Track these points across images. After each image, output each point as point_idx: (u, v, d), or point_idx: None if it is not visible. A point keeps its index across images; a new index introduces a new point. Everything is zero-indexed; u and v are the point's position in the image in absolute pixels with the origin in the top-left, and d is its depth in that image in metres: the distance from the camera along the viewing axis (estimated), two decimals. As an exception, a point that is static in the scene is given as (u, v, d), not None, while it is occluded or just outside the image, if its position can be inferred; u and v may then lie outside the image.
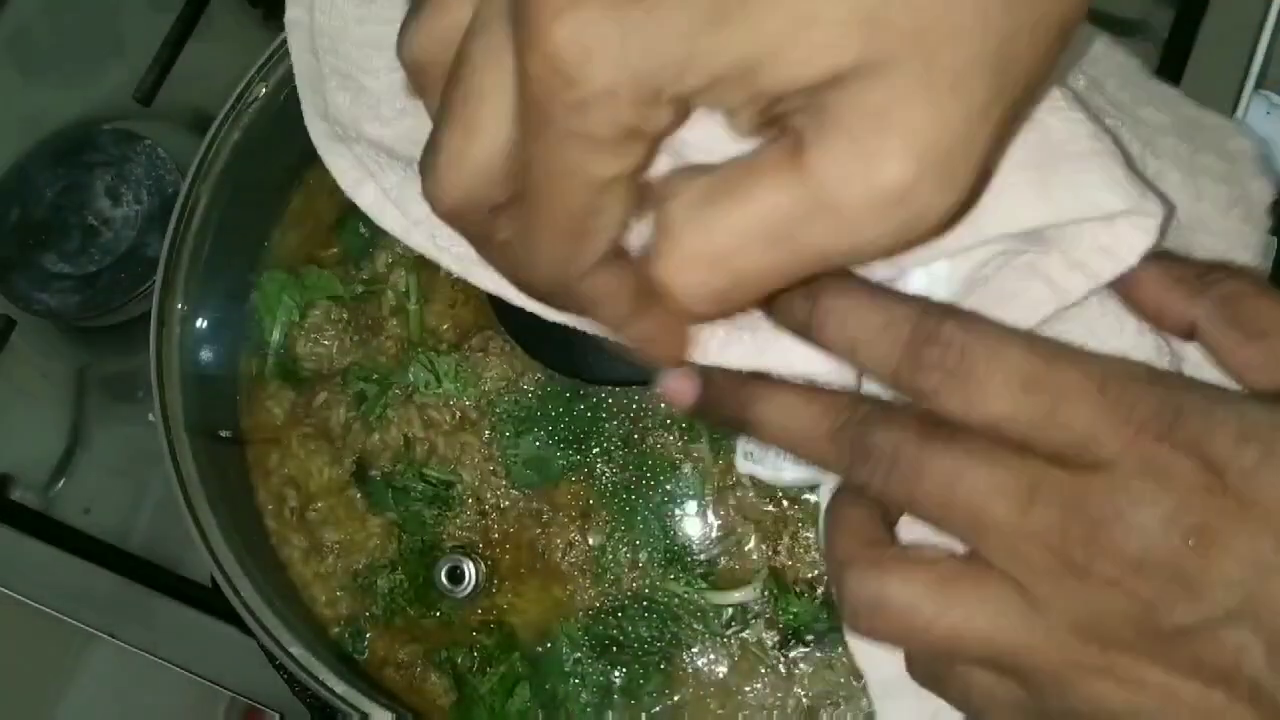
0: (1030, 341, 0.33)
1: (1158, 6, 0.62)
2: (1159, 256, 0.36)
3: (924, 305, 0.34)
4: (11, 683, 0.63)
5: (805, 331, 0.35)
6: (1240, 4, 0.60)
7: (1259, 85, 0.59)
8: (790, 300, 0.35)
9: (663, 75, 0.28)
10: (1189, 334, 0.37)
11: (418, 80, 0.34)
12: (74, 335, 0.71)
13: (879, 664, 0.39)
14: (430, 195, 0.33)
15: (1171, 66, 0.58)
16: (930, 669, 0.35)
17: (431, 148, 0.32)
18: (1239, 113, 0.57)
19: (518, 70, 0.29)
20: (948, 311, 0.34)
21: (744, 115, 0.30)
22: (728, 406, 0.37)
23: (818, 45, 0.27)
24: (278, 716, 0.60)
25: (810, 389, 0.37)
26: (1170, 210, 0.35)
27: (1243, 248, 0.42)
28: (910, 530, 0.36)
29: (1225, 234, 0.41)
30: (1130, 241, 0.35)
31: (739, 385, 0.37)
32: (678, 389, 0.38)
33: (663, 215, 0.31)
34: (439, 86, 0.32)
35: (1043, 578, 0.32)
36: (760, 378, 0.37)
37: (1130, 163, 0.35)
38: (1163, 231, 0.35)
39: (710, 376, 0.38)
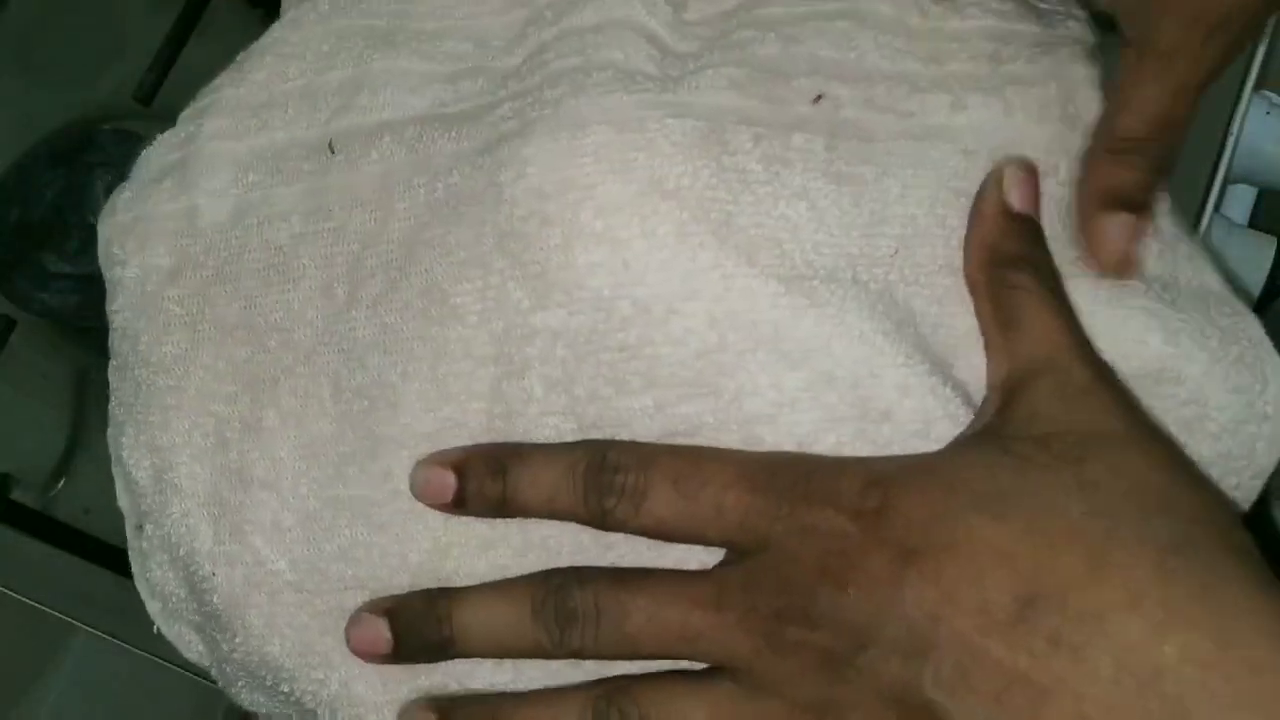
0: (674, 447, 0.36)
1: (1158, 6, 0.62)
2: (1011, 216, 0.38)
3: (589, 444, 0.37)
4: (10, 683, 0.63)
5: (501, 508, 0.36)
6: (1240, 4, 0.60)
7: (1259, 85, 0.59)
8: (480, 483, 0.36)
9: None
10: None
11: None
12: (74, 335, 0.71)
13: None
14: None
15: (1171, 66, 0.58)
16: None
17: None
18: (1239, 111, 0.57)
19: None
20: (609, 443, 0.36)
21: None
22: (425, 633, 0.36)
23: None
24: (277, 716, 0.60)
25: (501, 582, 0.37)
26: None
27: (1064, 153, 0.40)
28: None
29: (1047, 144, 0.40)
30: None
31: (429, 604, 0.37)
32: (365, 638, 0.37)
33: None
34: None
35: (752, 660, 0.34)
36: (449, 593, 0.37)
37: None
38: None
39: (394, 607, 0.37)
